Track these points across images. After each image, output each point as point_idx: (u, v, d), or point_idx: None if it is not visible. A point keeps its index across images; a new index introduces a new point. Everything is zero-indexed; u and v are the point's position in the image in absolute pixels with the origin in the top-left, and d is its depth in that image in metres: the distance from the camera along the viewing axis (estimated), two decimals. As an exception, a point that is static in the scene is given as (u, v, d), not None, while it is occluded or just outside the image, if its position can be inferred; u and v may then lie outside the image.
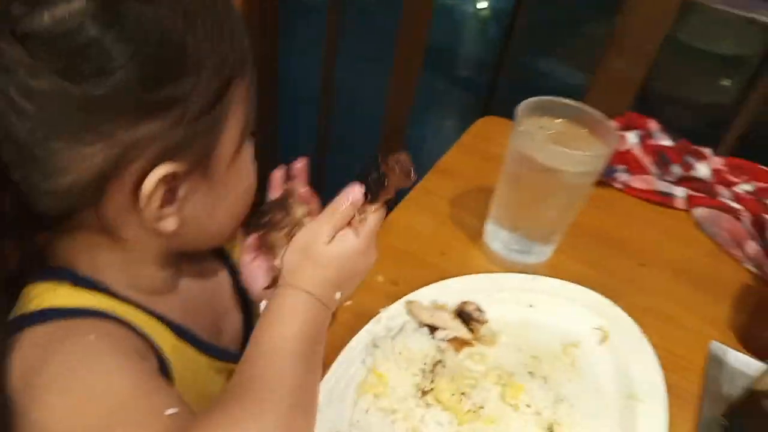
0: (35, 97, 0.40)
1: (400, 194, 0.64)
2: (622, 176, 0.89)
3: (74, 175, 0.43)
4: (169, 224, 0.48)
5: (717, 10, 1.54)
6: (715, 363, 0.65)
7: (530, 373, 0.56)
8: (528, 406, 0.52)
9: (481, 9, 3.31)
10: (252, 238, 0.59)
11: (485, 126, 1.00)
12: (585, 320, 0.62)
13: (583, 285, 0.65)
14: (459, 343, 0.58)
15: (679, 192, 0.88)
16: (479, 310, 0.59)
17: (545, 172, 0.64)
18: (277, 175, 0.61)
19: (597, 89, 1.15)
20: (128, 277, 0.52)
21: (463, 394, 0.53)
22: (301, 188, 0.59)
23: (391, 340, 0.57)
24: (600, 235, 0.80)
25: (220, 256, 0.68)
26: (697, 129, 1.05)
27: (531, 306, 0.64)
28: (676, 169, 0.90)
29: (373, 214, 0.52)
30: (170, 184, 0.46)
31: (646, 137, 0.94)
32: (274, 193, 0.60)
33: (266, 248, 0.58)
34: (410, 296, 0.63)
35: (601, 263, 0.75)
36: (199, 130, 0.46)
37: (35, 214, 0.46)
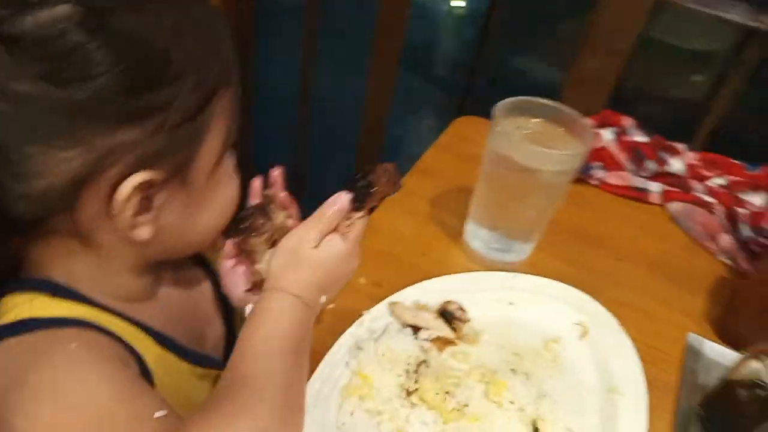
0: (14, 100, 0.40)
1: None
2: (599, 173, 0.90)
3: (50, 179, 0.42)
4: (143, 232, 0.48)
5: (689, 9, 1.58)
6: (693, 354, 0.66)
7: (513, 370, 0.57)
8: (511, 402, 0.53)
9: (455, 7, 3.33)
10: (230, 244, 0.59)
11: (463, 126, 1.00)
12: (565, 316, 0.63)
13: (562, 281, 0.65)
14: (442, 343, 0.59)
15: (654, 187, 0.89)
16: (461, 309, 0.60)
17: (523, 172, 0.65)
18: (256, 183, 0.61)
19: (572, 87, 1.16)
20: (105, 284, 0.52)
21: (447, 393, 0.54)
22: (281, 194, 0.60)
23: (375, 342, 0.58)
24: (578, 232, 0.81)
25: (202, 263, 0.68)
26: (671, 125, 1.07)
27: (512, 304, 0.64)
28: (651, 165, 0.92)
29: (360, 221, 0.54)
30: (146, 191, 0.46)
31: (621, 134, 0.96)
32: (254, 201, 0.60)
33: (246, 254, 0.58)
34: (393, 297, 0.63)
35: (580, 260, 0.77)
36: (179, 140, 0.46)
37: (9, 219, 0.45)
